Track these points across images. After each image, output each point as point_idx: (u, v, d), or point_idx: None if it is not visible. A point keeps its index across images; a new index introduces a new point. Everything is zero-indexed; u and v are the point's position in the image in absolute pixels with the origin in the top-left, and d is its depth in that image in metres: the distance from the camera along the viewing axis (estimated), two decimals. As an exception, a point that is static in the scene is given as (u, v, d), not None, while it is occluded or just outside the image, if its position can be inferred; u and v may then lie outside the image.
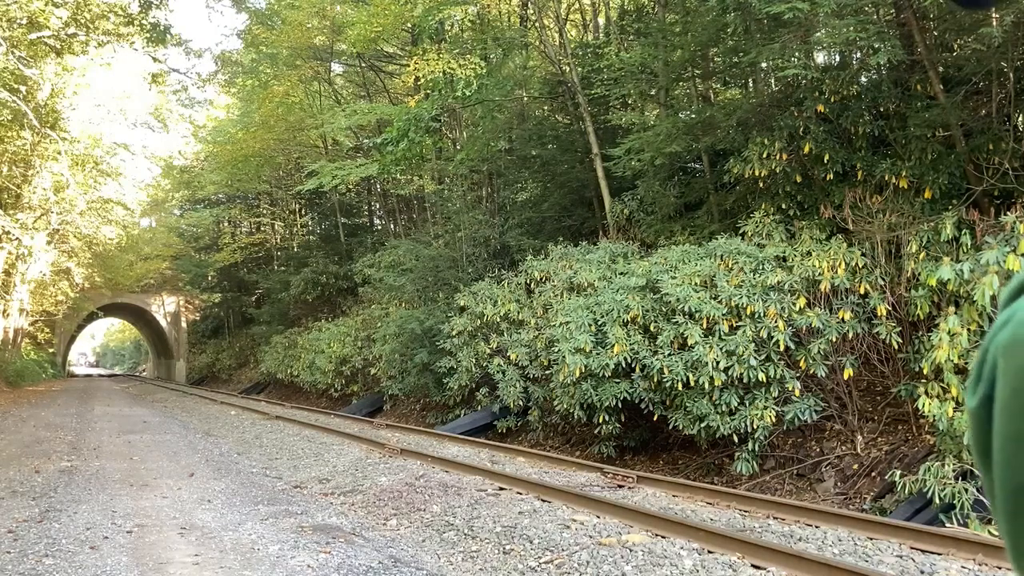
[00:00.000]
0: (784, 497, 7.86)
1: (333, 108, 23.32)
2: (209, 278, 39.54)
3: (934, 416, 6.96)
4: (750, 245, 9.63)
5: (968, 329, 7.11)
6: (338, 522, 6.40)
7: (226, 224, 40.11)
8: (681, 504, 6.90)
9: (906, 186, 8.86)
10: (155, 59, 22.03)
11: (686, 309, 8.98)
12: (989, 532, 5.87)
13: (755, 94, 12.86)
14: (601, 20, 18.90)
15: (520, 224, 16.61)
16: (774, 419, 8.36)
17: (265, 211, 36.15)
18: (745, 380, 8.47)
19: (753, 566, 4.82)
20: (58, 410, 18.11)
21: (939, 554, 5.09)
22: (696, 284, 9.29)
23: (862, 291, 8.47)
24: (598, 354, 9.61)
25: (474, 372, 13.68)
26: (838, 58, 11.14)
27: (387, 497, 7.35)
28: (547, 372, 11.49)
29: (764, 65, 11.77)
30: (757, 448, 8.47)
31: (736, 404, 8.53)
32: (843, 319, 8.40)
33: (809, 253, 8.98)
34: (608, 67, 13.89)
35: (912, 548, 5.22)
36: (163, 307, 44.60)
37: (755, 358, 8.42)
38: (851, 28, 8.66)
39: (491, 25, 17.80)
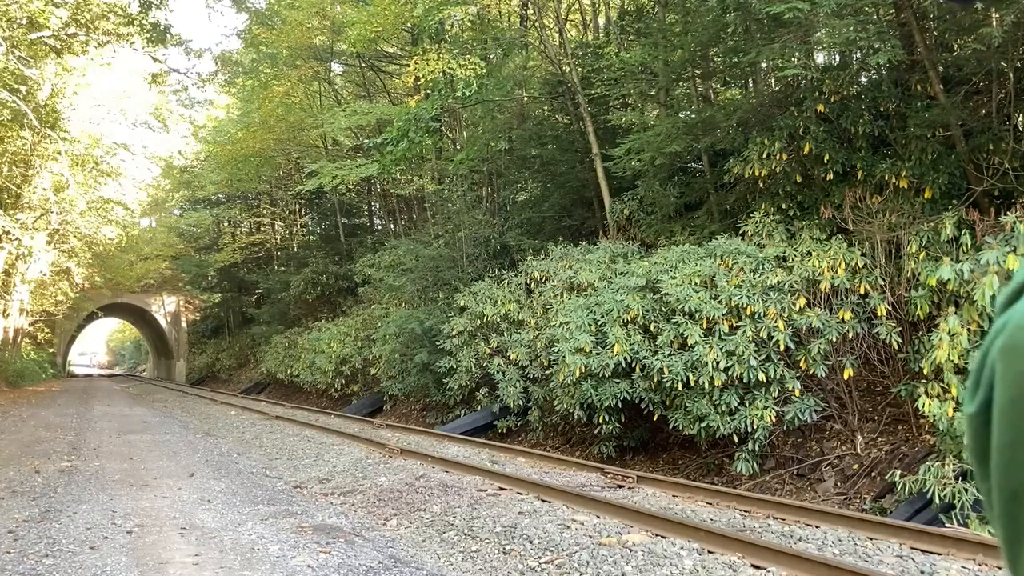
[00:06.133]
0: (784, 497, 7.86)
1: (333, 108, 23.32)
2: (209, 278, 39.56)
3: (934, 416, 6.96)
4: (750, 245, 9.63)
5: (968, 329, 7.11)
6: (338, 522, 6.40)
7: (226, 224, 40.12)
8: (681, 504, 6.90)
9: (906, 186, 8.86)
10: (155, 59, 22.04)
11: (686, 309, 8.98)
12: (989, 532, 5.87)
13: (755, 94, 12.87)
14: (601, 20, 18.91)
15: (520, 224, 16.61)
16: (774, 419, 8.36)
17: (265, 211, 36.15)
18: (745, 380, 8.47)
19: (753, 566, 4.82)
20: (58, 410, 18.11)
21: (939, 554, 5.09)
22: (696, 284, 9.29)
23: (862, 291, 8.47)
24: (598, 354, 9.60)
25: (474, 372, 13.67)
26: (838, 58, 11.14)
27: (387, 497, 7.35)
28: (547, 372, 11.49)
29: (764, 65, 11.78)
30: (757, 448, 8.47)
31: (736, 404, 8.53)
32: (843, 319, 8.40)
33: (809, 253, 8.98)
34: (608, 67, 13.89)
35: (912, 548, 5.22)
36: (163, 307, 44.60)
37: (755, 358, 8.42)
38: (851, 28, 8.66)
39: (491, 25, 17.79)
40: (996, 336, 0.48)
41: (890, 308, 8.33)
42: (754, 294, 8.79)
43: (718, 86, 14.76)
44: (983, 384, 0.49)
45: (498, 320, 13.38)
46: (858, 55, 10.25)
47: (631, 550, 5.17)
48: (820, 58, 11.59)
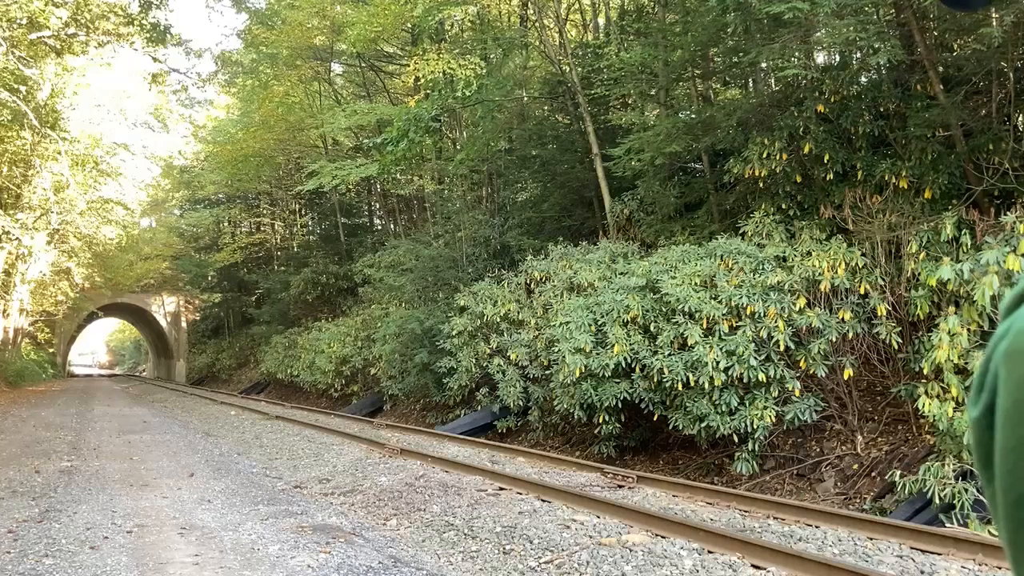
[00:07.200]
0: (784, 497, 7.86)
1: (333, 108, 23.32)
2: (209, 278, 39.55)
3: (934, 416, 6.96)
4: (750, 245, 9.63)
5: (968, 329, 7.10)
6: (338, 522, 6.40)
7: (226, 224, 40.10)
8: (681, 504, 6.90)
9: (906, 186, 8.86)
10: (155, 59, 22.04)
11: (686, 309, 8.98)
12: (989, 532, 5.87)
13: (755, 94, 12.86)
14: (601, 20, 18.90)
15: (520, 224, 16.61)
16: (774, 419, 8.36)
17: (265, 211, 36.16)
18: (745, 380, 8.47)
19: (753, 566, 4.82)
20: (58, 410, 18.11)
21: (939, 554, 5.09)
22: (696, 284, 9.29)
23: (862, 291, 8.46)
24: (598, 354, 9.60)
25: (474, 372, 13.67)
26: (838, 58, 11.14)
27: (387, 497, 7.35)
28: (547, 372, 11.49)
29: (764, 65, 11.77)
30: (757, 448, 8.47)
31: (736, 404, 8.53)
32: (843, 319, 8.40)
33: (809, 253, 8.98)
34: (608, 67, 13.89)
35: (912, 548, 5.22)
36: (163, 307, 44.61)
37: (755, 358, 8.42)
38: (851, 28, 8.65)
39: (491, 25, 17.80)
40: (999, 340, 0.48)
41: (890, 308, 8.33)
42: (754, 294, 8.79)
43: (718, 86, 14.75)
44: (987, 388, 0.49)
45: (498, 320, 13.38)
46: (858, 55, 10.24)
47: (631, 550, 5.17)
48: (820, 58, 11.58)
